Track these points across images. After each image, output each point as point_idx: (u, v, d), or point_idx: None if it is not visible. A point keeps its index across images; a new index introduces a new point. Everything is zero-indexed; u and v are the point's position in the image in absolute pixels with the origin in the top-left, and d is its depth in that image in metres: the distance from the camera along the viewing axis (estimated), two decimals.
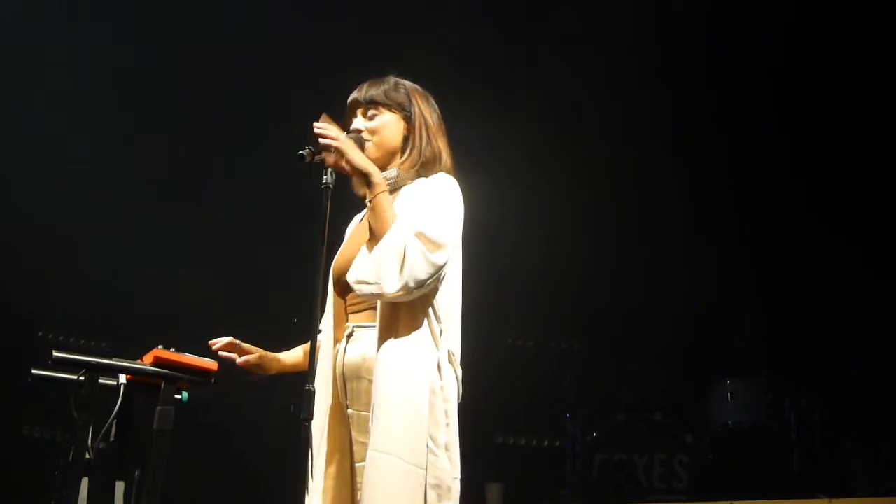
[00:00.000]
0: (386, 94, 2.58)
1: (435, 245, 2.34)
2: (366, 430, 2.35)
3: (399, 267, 2.29)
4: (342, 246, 2.66)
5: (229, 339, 2.66)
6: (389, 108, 2.58)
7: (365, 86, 2.61)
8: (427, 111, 2.61)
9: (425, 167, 2.56)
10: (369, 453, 2.30)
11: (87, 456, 2.47)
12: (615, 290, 6.11)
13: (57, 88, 5.46)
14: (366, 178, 2.41)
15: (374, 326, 2.40)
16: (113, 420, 2.53)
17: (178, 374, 2.59)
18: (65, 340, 5.78)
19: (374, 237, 2.38)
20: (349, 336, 2.49)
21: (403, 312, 2.37)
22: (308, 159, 2.35)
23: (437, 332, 2.40)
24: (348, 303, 2.55)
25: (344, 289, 2.52)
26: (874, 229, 5.67)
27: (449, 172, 2.59)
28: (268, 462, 5.35)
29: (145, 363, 2.59)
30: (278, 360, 2.73)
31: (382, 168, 2.54)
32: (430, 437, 2.30)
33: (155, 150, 5.78)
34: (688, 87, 5.78)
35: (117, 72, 5.59)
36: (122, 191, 5.65)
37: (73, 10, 5.36)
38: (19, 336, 5.42)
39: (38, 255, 5.59)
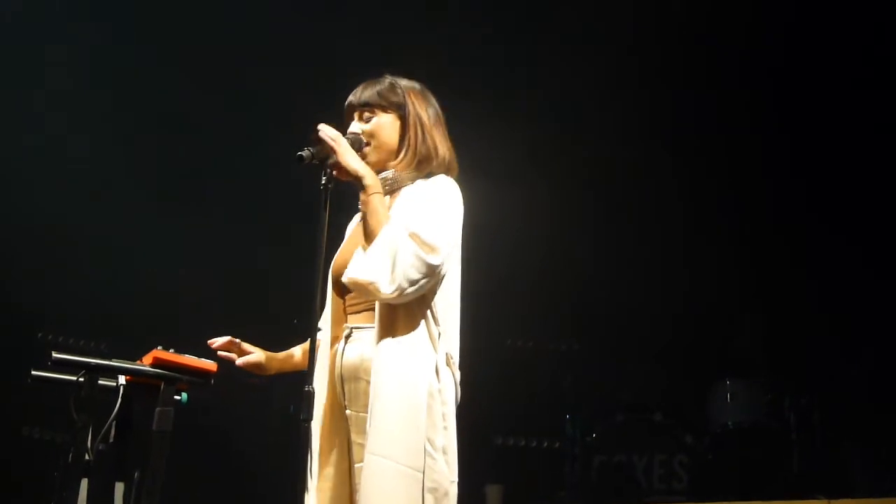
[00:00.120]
0: (380, 95, 2.57)
1: (429, 246, 2.33)
2: (364, 432, 2.35)
3: (391, 267, 2.29)
4: (342, 245, 2.65)
5: (228, 338, 2.67)
6: (385, 109, 2.57)
7: (360, 88, 2.60)
8: (422, 108, 2.58)
9: (422, 165, 2.55)
10: (366, 456, 2.30)
11: (87, 457, 2.46)
12: (615, 290, 6.10)
13: (57, 88, 5.46)
14: (358, 181, 2.40)
15: (372, 327, 2.40)
16: (112, 421, 2.53)
17: (178, 376, 2.59)
18: (64, 341, 5.78)
19: (368, 239, 2.37)
20: (347, 337, 2.49)
21: (401, 314, 2.37)
22: (307, 160, 2.35)
23: (436, 335, 2.39)
24: (347, 303, 2.55)
25: (343, 289, 2.52)
26: (874, 229, 5.67)
27: (449, 169, 2.58)
28: (267, 463, 5.35)
29: (145, 364, 2.59)
30: (277, 360, 2.73)
31: (384, 170, 2.54)
32: (428, 440, 2.30)
33: (155, 150, 5.78)
34: (688, 87, 5.78)
35: (117, 72, 5.59)
36: (122, 191, 5.65)
37: (73, 10, 5.35)
38: (19, 337, 5.42)
39: (38, 255, 5.59)
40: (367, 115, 2.58)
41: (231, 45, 5.55)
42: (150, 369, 2.57)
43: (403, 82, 2.62)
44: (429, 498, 2.27)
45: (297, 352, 2.76)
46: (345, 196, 2.50)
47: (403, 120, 2.57)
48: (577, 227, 6.01)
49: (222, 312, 5.45)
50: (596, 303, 6.15)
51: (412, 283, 2.30)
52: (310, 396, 2.19)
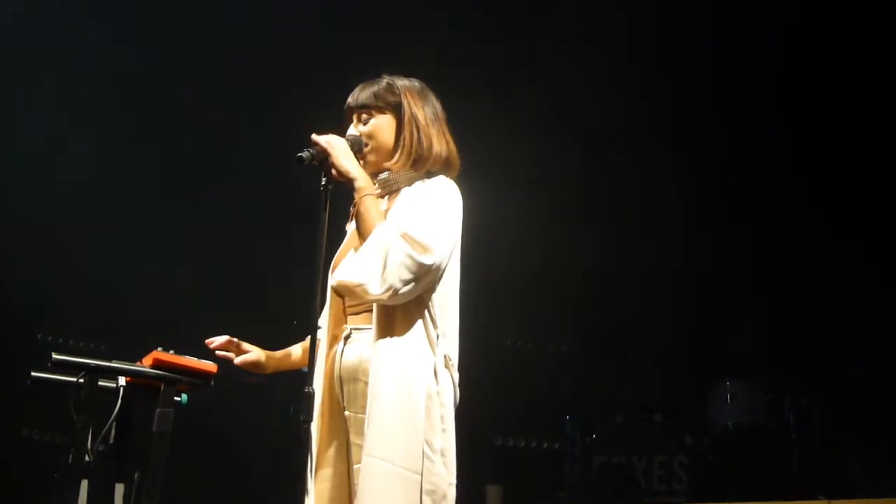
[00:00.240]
0: (376, 96, 2.56)
1: (422, 246, 2.32)
2: (362, 433, 2.34)
3: (382, 268, 2.28)
4: (342, 245, 2.65)
5: (226, 337, 2.67)
6: (382, 110, 2.56)
7: (357, 90, 2.60)
8: (417, 107, 2.56)
9: (418, 164, 2.54)
10: (364, 458, 2.30)
11: (87, 458, 2.46)
12: (615, 290, 6.10)
13: (57, 88, 5.46)
14: (350, 183, 2.40)
15: (371, 329, 2.40)
16: (112, 422, 2.53)
17: (178, 377, 2.59)
18: (64, 342, 5.77)
19: (361, 240, 2.37)
20: (347, 338, 2.49)
21: (399, 316, 2.36)
22: (307, 161, 2.35)
23: (434, 337, 2.39)
24: (347, 304, 2.54)
25: None
26: (874, 229, 5.67)
27: (449, 167, 2.57)
28: (267, 463, 5.35)
29: (144, 365, 2.59)
30: (276, 358, 2.74)
31: (383, 171, 2.54)
32: (426, 442, 2.29)
33: (155, 150, 5.77)
34: (688, 86, 5.77)
35: (117, 72, 5.58)
36: (122, 191, 5.65)
37: (73, 10, 5.35)
38: (19, 338, 5.41)
39: (38, 255, 5.58)
40: (364, 116, 2.57)
41: (231, 45, 5.55)
42: (150, 370, 2.57)
43: (401, 82, 2.61)
44: (427, 500, 2.27)
45: (296, 350, 2.76)
46: (345, 197, 2.50)
47: (400, 120, 2.56)
48: (576, 228, 6.00)
49: (222, 312, 5.44)
50: (596, 303, 6.15)
51: (405, 283, 2.29)
52: (310, 398, 2.19)
